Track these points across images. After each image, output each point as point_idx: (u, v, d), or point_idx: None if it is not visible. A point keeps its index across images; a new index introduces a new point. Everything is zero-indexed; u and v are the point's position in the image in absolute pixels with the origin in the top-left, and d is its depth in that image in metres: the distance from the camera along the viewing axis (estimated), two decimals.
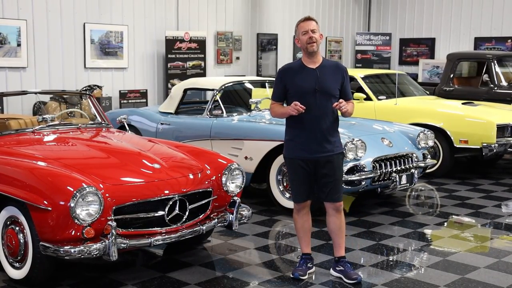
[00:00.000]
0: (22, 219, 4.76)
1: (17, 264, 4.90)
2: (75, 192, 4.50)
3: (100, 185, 4.73)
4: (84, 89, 11.54)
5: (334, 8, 17.55)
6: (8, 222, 4.94)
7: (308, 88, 4.97)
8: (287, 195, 7.24)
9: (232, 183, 5.52)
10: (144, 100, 12.87)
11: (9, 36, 10.92)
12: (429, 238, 6.51)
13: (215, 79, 9.56)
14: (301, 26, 5.05)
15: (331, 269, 5.31)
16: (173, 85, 12.72)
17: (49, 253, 4.58)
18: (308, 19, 5.07)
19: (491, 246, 6.21)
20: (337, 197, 5.15)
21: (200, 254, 5.85)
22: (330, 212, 5.21)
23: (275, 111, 5.17)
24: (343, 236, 5.27)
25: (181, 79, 12.70)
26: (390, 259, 5.78)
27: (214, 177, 5.44)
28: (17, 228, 4.84)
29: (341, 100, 4.97)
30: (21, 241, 4.81)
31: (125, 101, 12.53)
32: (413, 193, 8.49)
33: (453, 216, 7.32)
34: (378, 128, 7.85)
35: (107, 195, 4.69)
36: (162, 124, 8.54)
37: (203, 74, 13.79)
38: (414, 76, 15.13)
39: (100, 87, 11.81)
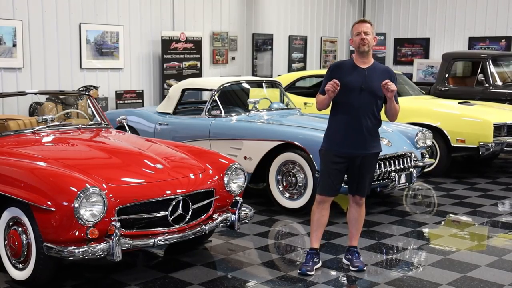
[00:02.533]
0: (25, 220, 4.74)
1: (20, 265, 4.89)
2: (79, 192, 4.50)
3: (104, 185, 4.73)
4: (81, 89, 11.52)
5: (329, 8, 17.58)
6: (11, 223, 4.93)
7: (354, 85, 5.11)
8: (287, 194, 7.27)
9: (234, 183, 5.53)
10: (140, 101, 12.85)
11: (4, 37, 10.88)
12: (429, 237, 6.55)
13: (213, 79, 9.56)
14: (355, 27, 5.22)
15: (343, 257, 5.58)
16: (169, 85, 12.73)
17: (53, 254, 4.57)
18: (363, 21, 5.23)
19: (491, 245, 6.24)
20: (362, 192, 5.38)
21: (202, 254, 5.86)
22: (352, 203, 5.46)
23: (317, 101, 5.27)
24: (358, 228, 5.51)
25: (177, 79, 12.70)
26: (391, 258, 5.81)
27: (216, 177, 5.44)
28: (19, 229, 4.83)
29: (388, 80, 5.05)
30: (24, 242, 4.80)
31: (121, 102, 12.50)
32: (411, 192, 8.53)
33: (451, 215, 7.36)
34: None
35: (110, 195, 4.68)
36: (160, 124, 8.54)
37: (199, 75, 13.79)
38: (409, 76, 15.17)
39: (96, 88, 11.78)
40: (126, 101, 12.58)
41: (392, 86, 5.04)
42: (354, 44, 5.22)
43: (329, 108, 5.31)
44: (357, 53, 5.22)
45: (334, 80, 5.03)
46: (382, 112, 5.30)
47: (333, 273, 5.36)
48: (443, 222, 7.07)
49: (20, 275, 4.90)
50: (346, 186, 5.46)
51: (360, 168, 5.26)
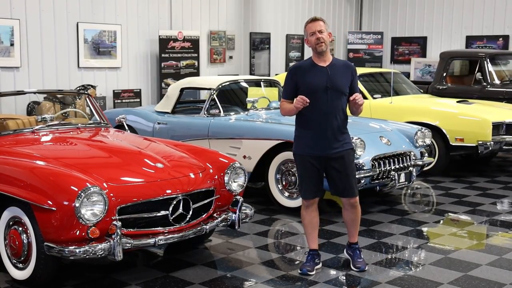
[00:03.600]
0: (26, 219, 4.72)
1: (20, 264, 4.88)
2: (79, 192, 4.48)
3: (104, 184, 4.71)
4: (78, 88, 11.49)
5: (326, 7, 17.57)
6: (11, 223, 4.91)
7: (319, 85, 5.05)
8: (286, 194, 7.26)
9: (235, 182, 5.51)
10: (138, 100, 12.83)
11: (2, 36, 10.86)
12: (429, 236, 6.54)
13: (212, 78, 9.54)
14: (308, 27, 5.14)
15: (344, 250, 5.55)
16: (167, 84, 12.72)
17: (54, 254, 4.55)
18: (315, 20, 5.15)
19: (491, 244, 6.23)
20: (351, 192, 5.27)
21: (202, 254, 5.85)
22: (346, 206, 5.38)
23: (284, 108, 5.23)
24: (356, 227, 5.45)
25: (175, 78, 12.69)
26: (392, 257, 5.81)
27: (217, 176, 5.43)
28: (20, 229, 4.81)
29: (356, 94, 5.08)
30: (25, 241, 4.78)
31: (119, 101, 12.49)
32: (410, 191, 8.52)
33: (451, 214, 7.36)
34: (375, 127, 7.86)
35: (111, 194, 4.67)
36: (159, 123, 8.52)
37: (196, 74, 13.75)
38: (406, 75, 15.16)
39: (94, 87, 11.77)
40: (123, 100, 12.56)
41: (360, 100, 5.05)
42: (310, 44, 5.14)
43: None
44: (315, 53, 5.14)
45: (302, 97, 4.95)
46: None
47: (334, 272, 5.35)
48: (442, 221, 7.07)
49: (20, 274, 4.89)
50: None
51: (341, 169, 5.18)
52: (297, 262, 5.60)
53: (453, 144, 9.20)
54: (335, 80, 5.07)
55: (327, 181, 5.33)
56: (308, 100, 4.95)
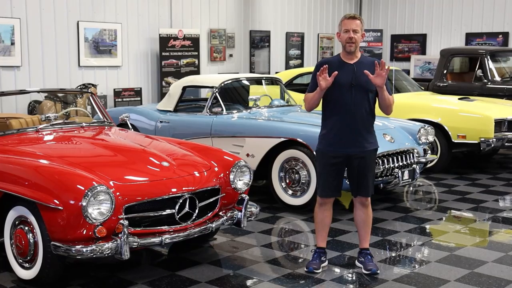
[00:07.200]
0: (32, 218, 4.71)
1: (27, 264, 4.86)
2: (86, 191, 4.46)
3: (110, 183, 4.70)
4: (80, 87, 11.48)
5: (325, 5, 17.56)
6: (17, 222, 4.89)
7: (344, 82, 4.99)
8: (290, 191, 7.25)
9: (240, 180, 5.49)
10: (139, 98, 12.81)
11: (2, 35, 10.83)
12: (433, 233, 6.53)
13: (214, 76, 9.53)
14: (344, 23, 5.06)
15: (356, 261, 5.44)
16: (168, 83, 12.71)
17: (61, 253, 4.54)
18: (353, 17, 5.06)
19: (496, 240, 6.23)
20: (366, 192, 5.24)
21: (207, 252, 5.84)
22: (357, 206, 5.34)
23: (307, 99, 5.14)
24: (367, 229, 5.37)
25: (175, 77, 12.69)
26: (397, 255, 5.81)
27: (222, 174, 5.41)
28: (26, 228, 4.79)
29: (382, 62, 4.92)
30: (31, 241, 4.76)
31: (119, 100, 12.46)
32: (413, 188, 8.52)
33: (455, 211, 7.36)
34: (378, 124, 7.77)
35: (118, 193, 4.65)
36: (161, 122, 8.50)
37: (196, 72, 13.74)
38: (406, 72, 15.16)
39: (94, 86, 11.75)
40: (124, 99, 12.54)
41: (384, 71, 4.87)
42: (341, 40, 5.08)
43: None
44: (344, 50, 5.11)
45: (323, 68, 4.88)
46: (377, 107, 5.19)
47: (340, 270, 5.34)
48: (447, 218, 7.07)
49: (26, 274, 4.87)
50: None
51: (359, 168, 5.15)
52: (301, 260, 5.60)
53: (455, 141, 9.19)
54: (361, 77, 4.99)
55: (347, 178, 5.29)
56: (327, 74, 4.86)
